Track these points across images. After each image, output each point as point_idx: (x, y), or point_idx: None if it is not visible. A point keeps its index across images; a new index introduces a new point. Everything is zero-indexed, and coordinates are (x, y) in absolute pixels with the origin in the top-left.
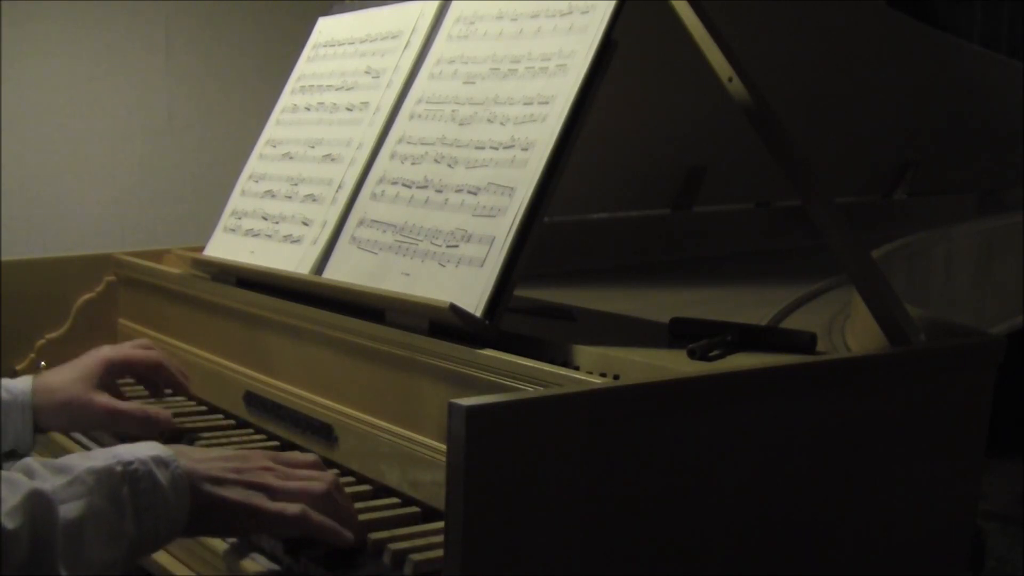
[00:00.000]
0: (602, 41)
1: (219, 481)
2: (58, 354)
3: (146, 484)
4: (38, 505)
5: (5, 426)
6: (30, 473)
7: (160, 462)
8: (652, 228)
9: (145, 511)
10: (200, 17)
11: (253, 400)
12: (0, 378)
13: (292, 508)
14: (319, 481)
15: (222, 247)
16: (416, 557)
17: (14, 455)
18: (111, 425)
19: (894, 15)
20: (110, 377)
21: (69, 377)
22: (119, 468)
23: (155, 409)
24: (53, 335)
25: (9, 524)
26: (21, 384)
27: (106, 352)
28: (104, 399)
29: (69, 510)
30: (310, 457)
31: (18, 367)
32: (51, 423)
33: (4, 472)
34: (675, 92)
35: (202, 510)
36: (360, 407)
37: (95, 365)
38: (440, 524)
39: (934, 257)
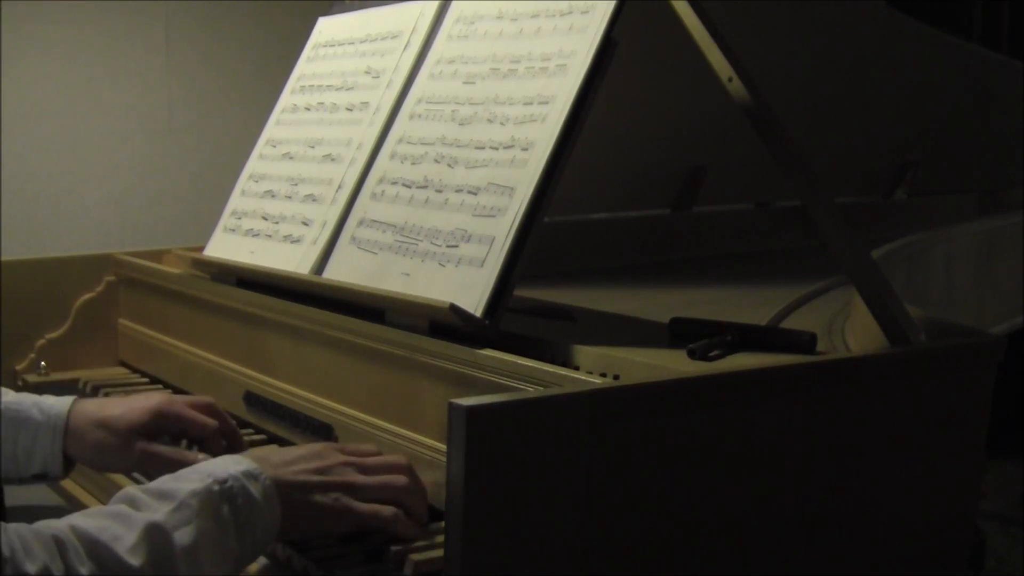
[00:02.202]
0: (602, 41)
1: (306, 487)
2: (58, 354)
3: (243, 500)
4: (156, 538)
5: (33, 447)
6: (134, 503)
7: (250, 476)
8: (652, 228)
9: (245, 526)
10: (200, 17)
11: (253, 400)
12: (40, 396)
13: (386, 511)
14: (399, 473)
15: (222, 247)
16: (416, 557)
17: (44, 477)
18: (142, 469)
19: (894, 15)
20: (156, 428)
21: (111, 415)
22: (216, 488)
23: (191, 454)
24: (53, 335)
25: (134, 561)
26: (57, 406)
27: (159, 402)
28: (142, 445)
29: (183, 536)
30: (372, 446)
31: (18, 367)
32: (79, 454)
33: (112, 507)
34: (675, 92)
35: (293, 517)
36: (360, 407)
37: (143, 413)
38: (440, 524)
39: (934, 257)
